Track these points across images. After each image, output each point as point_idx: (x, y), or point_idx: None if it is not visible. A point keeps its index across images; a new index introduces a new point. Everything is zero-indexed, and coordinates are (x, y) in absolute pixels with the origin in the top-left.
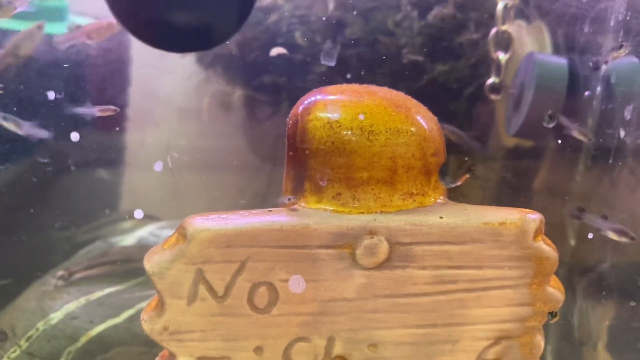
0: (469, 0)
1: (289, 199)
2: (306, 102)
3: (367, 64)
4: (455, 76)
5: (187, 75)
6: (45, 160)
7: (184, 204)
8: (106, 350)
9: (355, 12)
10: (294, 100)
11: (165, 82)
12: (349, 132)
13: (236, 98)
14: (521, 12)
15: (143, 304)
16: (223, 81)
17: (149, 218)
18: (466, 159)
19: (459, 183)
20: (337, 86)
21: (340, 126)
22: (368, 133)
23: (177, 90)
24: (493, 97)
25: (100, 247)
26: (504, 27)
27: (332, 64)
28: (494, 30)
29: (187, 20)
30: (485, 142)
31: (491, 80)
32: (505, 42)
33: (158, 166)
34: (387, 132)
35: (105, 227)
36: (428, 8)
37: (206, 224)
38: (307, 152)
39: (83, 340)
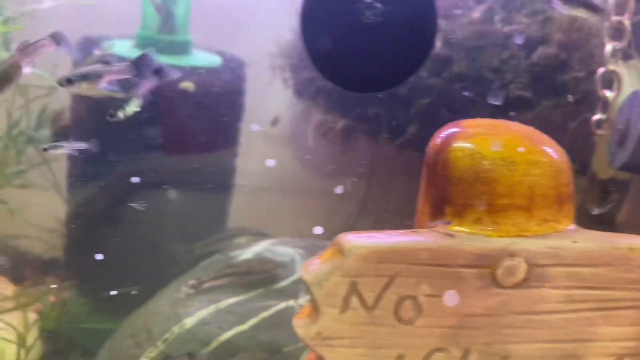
0: (571, 41)
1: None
2: (446, 134)
3: (474, 99)
4: (560, 111)
5: (288, 106)
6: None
7: (288, 223)
8: (233, 355)
9: (462, 51)
10: (392, 130)
11: (270, 111)
12: (490, 163)
13: (337, 127)
14: (623, 52)
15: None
16: (323, 111)
17: (259, 235)
18: (612, 189)
19: (604, 211)
20: (473, 120)
21: (482, 157)
22: (509, 164)
23: (281, 119)
24: (599, 132)
25: (220, 260)
26: (611, 67)
27: (499, 103)
28: (601, 70)
29: (378, 63)
30: (584, 174)
31: (597, 116)
32: (611, 81)
33: (339, 189)
34: (525, 163)
35: (220, 242)
36: (533, 48)
37: (361, 241)
38: (449, 179)
39: (214, 344)
